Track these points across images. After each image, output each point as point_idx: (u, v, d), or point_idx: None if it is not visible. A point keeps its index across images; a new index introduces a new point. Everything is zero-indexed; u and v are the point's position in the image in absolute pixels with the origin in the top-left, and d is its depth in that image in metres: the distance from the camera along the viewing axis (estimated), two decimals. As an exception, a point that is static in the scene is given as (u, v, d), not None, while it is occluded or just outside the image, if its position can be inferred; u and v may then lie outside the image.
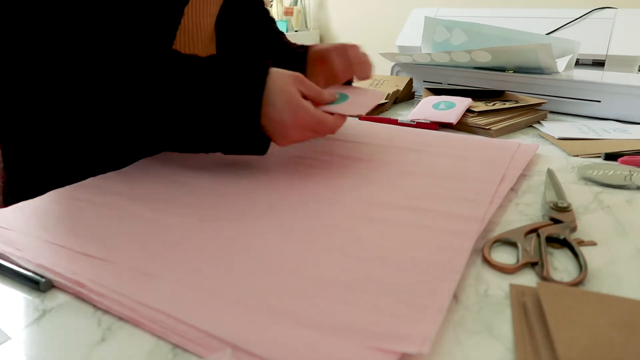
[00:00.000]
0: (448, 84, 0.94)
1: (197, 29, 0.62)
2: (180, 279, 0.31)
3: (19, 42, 0.48)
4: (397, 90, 0.90)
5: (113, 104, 0.47)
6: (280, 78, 0.48)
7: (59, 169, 0.57)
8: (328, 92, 0.53)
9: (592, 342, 0.25)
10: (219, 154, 0.53)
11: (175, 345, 0.26)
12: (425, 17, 1.04)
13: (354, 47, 0.66)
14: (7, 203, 0.60)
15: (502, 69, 0.88)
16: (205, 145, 0.50)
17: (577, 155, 0.59)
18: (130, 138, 0.51)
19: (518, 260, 0.34)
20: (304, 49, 0.72)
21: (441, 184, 0.46)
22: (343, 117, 0.52)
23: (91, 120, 0.50)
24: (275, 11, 2.95)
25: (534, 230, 0.38)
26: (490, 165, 0.51)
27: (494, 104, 0.76)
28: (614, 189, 0.48)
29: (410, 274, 0.31)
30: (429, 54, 0.93)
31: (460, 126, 0.70)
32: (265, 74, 0.47)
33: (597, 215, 0.42)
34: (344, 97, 0.55)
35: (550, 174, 0.49)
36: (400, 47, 1.32)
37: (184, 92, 0.47)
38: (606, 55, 1.09)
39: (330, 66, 0.67)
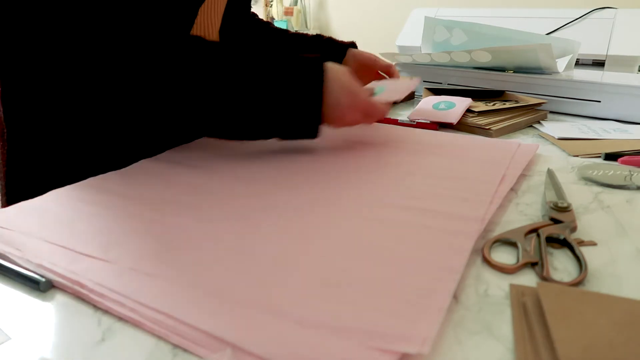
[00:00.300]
0: (448, 84, 0.94)
1: (208, 28, 0.63)
2: (181, 279, 0.31)
3: (37, 41, 0.49)
4: (397, 90, 0.90)
5: (183, 95, 0.49)
6: (335, 68, 0.54)
7: (59, 169, 0.57)
8: (367, 87, 0.60)
9: (592, 342, 0.25)
10: (222, 154, 0.53)
11: (176, 346, 0.26)
12: (425, 17, 1.04)
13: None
14: (7, 203, 0.60)
15: (502, 69, 0.88)
16: (269, 131, 0.54)
17: (577, 155, 0.59)
18: (200, 126, 0.53)
19: (518, 260, 0.34)
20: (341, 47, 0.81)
21: (441, 184, 0.46)
22: (388, 104, 0.59)
23: (148, 113, 0.51)
24: (275, 11, 2.95)
25: (534, 230, 0.38)
26: (490, 165, 0.51)
27: (494, 104, 0.76)
28: (614, 189, 0.48)
29: (410, 274, 0.31)
30: (429, 54, 0.93)
31: (460, 126, 0.70)
32: (322, 64, 0.53)
33: (597, 215, 0.42)
34: (380, 90, 0.62)
35: (550, 174, 0.49)
36: (400, 47, 1.32)
37: (253, 84, 0.50)
38: (606, 55, 1.09)
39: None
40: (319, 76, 0.52)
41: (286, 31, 0.84)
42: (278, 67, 0.51)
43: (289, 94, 0.51)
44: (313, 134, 0.53)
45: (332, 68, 0.53)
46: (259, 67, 0.51)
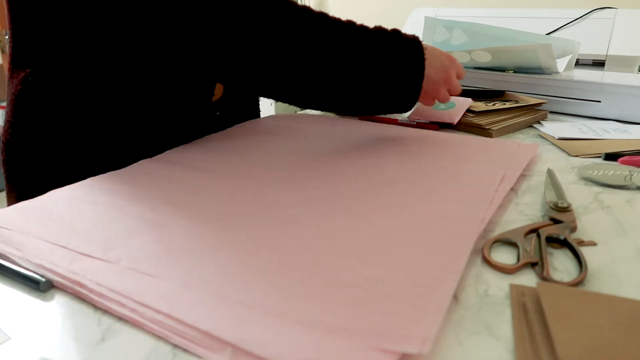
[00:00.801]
0: (448, 84, 0.93)
1: None
2: (181, 279, 0.31)
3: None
4: (397, 90, 0.90)
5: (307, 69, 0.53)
6: (429, 45, 0.61)
7: (60, 168, 0.57)
8: None
9: (592, 343, 0.25)
10: (222, 154, 0.53)
11: (175, 346, 0.26)
12: (425, 17, 1.04)
13: None
14: (9, 202, 0.60)
15: (502, 69, 0.88)
16: (370, 107, 0.58)
17: (577, 155, 0.59)
18: (295, 91, 0.55)
19: (518, 260, 0.34)
20: None
21: (441, 184, 0.46)
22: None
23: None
24: (275, 11, 2.94)
25: (534, 230, 0.38)
26: (490, 165, 0.51)
27: (494, 104, 0.76)
28: (614, 189, 0.48)
29: (410, 274, 0.31)
30: (429, 54, 0.93)
31: (460, 126, 0.70)
32: (421, 47, 0.58)
33: (597, 215, 0.42)
34: None
35: (550, 174, 0.49)
36: (400, 47, 1.32)
37: (359, 59, 0.54)
38: (606, 55, 1.09)
39: None
40: (421, 52, 0.57)
41: None
42: (381, 45, 0.55)
43: (393, 72, 0.55)
44: (408, 108, 0.60)
45: (427, 46, 0.60)
46: (365, 43, 0.54)
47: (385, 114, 0.60)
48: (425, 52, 0.58)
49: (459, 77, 0.64)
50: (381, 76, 0.55)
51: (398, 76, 0.56)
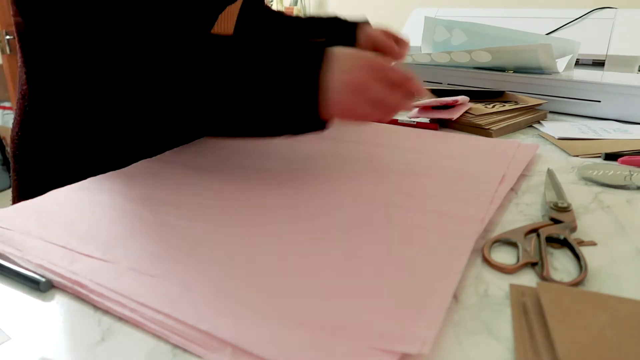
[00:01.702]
0: (448, 84, 0.94)
1: (222, 32, 0.64)
2: (181, 279, 0.31)
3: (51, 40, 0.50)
4: (397, 90, 0.90)
5: (171, 93, 0.46)
6: (344, 48, 0.46)
7: (60, 168, 0.57)
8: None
9: (592, 342, 0.25)
10: (222, 155, 0.53)
11: (175, 346, 0.26)
12: (425, 17, 1.04)
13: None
14: (17, 199, 0.60)
15: (502, 69, 0.88)
16: (272, 127, 0.47)
17: (577, 155, 0.59)
18: (197, 123, 0.49)
19: (518, 260, 0.34)
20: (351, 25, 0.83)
21: (441, 184, 0.46)
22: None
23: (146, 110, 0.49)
24: (275, 11, 2.95)
25: (534, 230, 0.38)
26: (490, 165, 0.51)
27: (493, 106, 0.76)
28: (614, 189, 0.48)
29: (410, 274, 0.31)
30: (429, 54, 0.93)
31: (460, 126, 0.70)
32: (322, 50, 0.45)
33: (597, 215, 0.42)
34: None
35: (550, 174, 0.49)
36: (400, 47, 1.32)
37: (245, 78, 0.44)
38: (606, 55, 1.09)
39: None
40: (317, 64, 0.44)
41: (298, 18, 0.84)
42: (270, 59, 0.45)
43: (282, 85, 0.44)
44: (319, 125, 0.46)
45: (341, 48, 0.45)
46: (251, 60, 0.45)
47: (287, 133, 0.48)
48: (335, 54, 0.44)
49: (402, 85, 0.47)
50: (256, 90, 0.45)
51: (287, 103, 0.45)
